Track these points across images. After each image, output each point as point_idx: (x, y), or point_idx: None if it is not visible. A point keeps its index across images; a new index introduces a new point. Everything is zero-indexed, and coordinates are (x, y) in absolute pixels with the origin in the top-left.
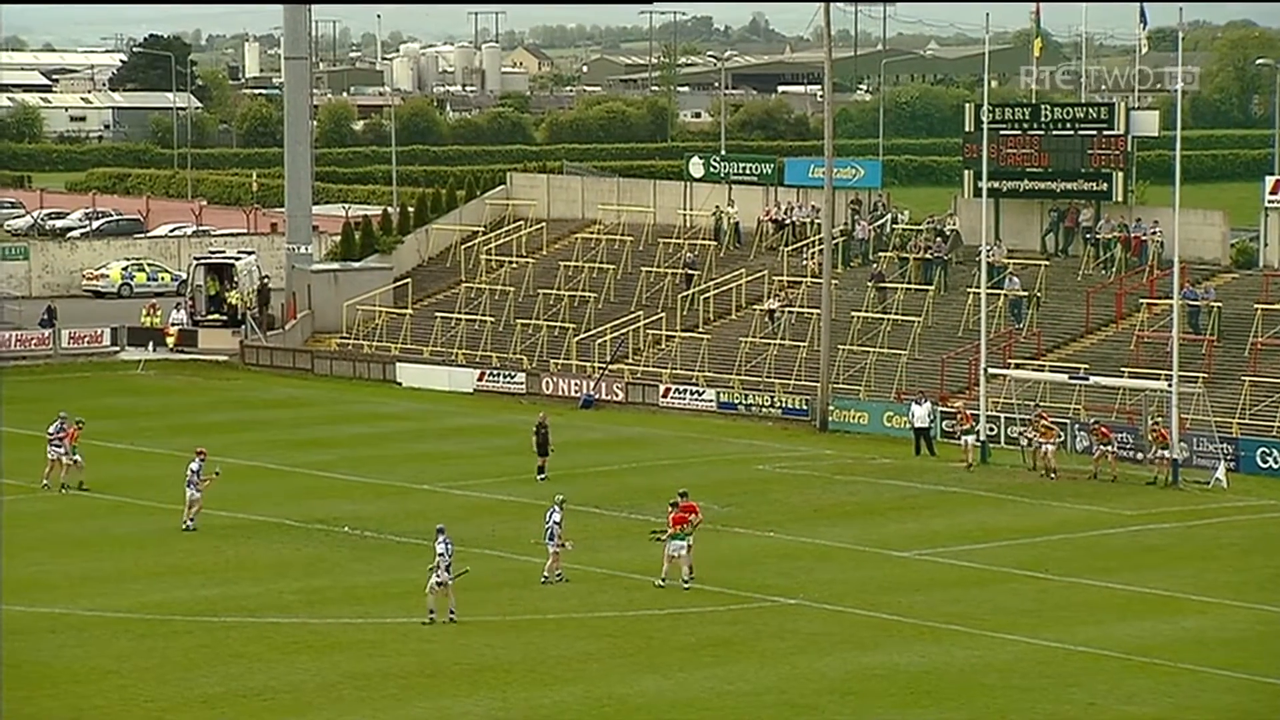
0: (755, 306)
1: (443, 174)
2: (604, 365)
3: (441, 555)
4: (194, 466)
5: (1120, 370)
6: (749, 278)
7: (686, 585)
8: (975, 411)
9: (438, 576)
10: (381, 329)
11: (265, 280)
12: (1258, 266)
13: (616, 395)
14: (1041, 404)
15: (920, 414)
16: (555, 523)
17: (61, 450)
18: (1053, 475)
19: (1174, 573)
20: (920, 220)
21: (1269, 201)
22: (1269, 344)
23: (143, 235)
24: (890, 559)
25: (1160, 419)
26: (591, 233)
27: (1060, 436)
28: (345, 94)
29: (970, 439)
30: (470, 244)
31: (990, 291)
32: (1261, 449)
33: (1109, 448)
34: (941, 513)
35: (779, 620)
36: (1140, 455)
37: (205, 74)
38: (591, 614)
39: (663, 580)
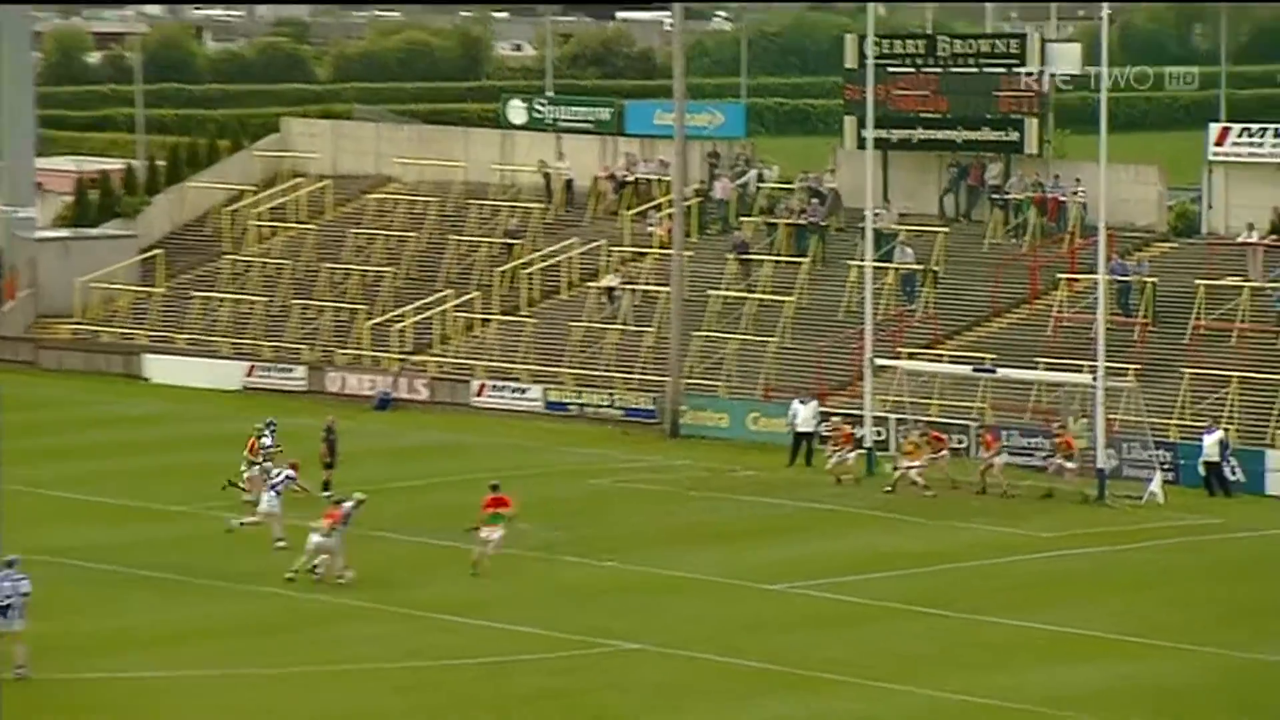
0: (590, 284)
1: (201, 119)
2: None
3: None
4: None
5: (1035, 361)
6: (583, 248)
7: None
8: (855, 430)
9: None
10: (125, 312)
11: None
12: (1200, 234)
13: (419, 393)
14: (935, 402)
15: (804, 415)
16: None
17: None
18: (928, 491)
19: (1101, 607)
20: (792, 178)
21: (1214, 154)
22: (1214, 328)
23: None
24: (757, 593)
25: (1063, 426)
26: (387, 192)
27: (938, 450)
28: (77, 18)
29: (846, 459)
30: (236, 206)
31: (878, 265)
32: (1202, 455)
33: (998, 457)
34: (819, 536)
35: (619, 669)
36: (1060, 464)
37: None
38: (393, 664)
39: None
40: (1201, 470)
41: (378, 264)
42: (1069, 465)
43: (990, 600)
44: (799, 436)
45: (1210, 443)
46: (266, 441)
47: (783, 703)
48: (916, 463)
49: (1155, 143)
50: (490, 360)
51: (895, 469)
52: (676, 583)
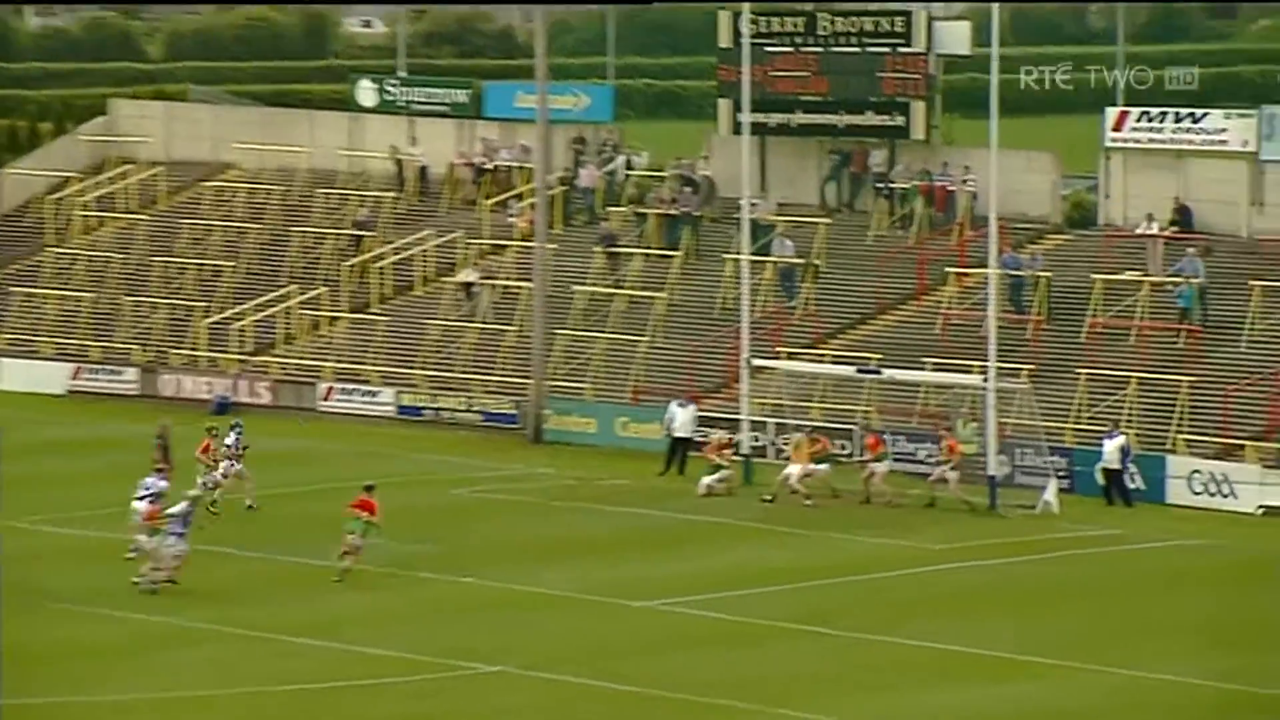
0: (447, 279)
1: (21, 100)
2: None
3: None
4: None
5: (922, 361)
6: (438, 241)
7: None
8: (733, 438)
9: None
10: None
11: None
12: (1096, 225)
13: (261, 397)
14: (817, 405)
15: (682, 419)
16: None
17: None
18: (807, 501)
19: (993, 624)
20: (663, 165)
21: (1111, 140)
22: (1112, 325)
23: None
24: (626, 611)
25: (949, 429)
26: (226, 180)
27: (825, 452)
28: None
29: (715, 476)
30: (60, 195)
31: (755, 259)
32: (1101, 462)
33: (879, 463)
34: (694, 550)
35: (478, 694)
36: (942, 474)
37: None
38: (229, 690)
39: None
40: (1100, 478)
41: (215, 257)
42: (950, 473)
43: (876, 617)
44: (676, 442)
45: (1111, 448)
46: (230, 440)
47: None
48: (800, 467)
49: (1050, 129)
50: (338, 361)
51: (784, 476)
52: (541, 600)
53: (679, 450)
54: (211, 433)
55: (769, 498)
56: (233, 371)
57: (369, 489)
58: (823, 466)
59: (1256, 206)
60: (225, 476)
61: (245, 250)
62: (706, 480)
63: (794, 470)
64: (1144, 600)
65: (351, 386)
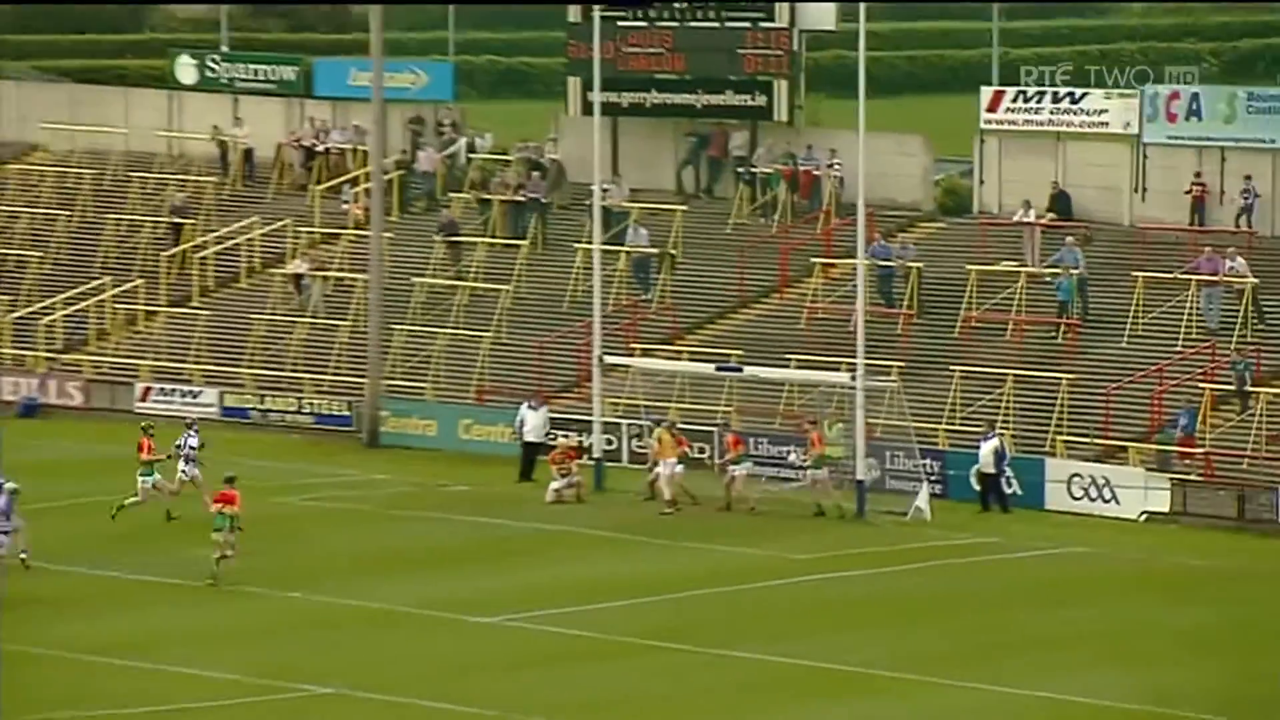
0: (275, 270)
1: None
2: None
3: None
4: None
5: (786, 358)
6: (265, 229)
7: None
8: (579, 444)
9: None
10: None
11: None
12: (971, 212)
13: (72, 398)
14: (674, 405)
15: (534, 423)
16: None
17: None
18: (670, 508)
19: (861, 638)
20: (508, 148)
21: (986, 121)
22: (987, 319)
23: None
24: (469, 627)
25: (812, 422)
26: (33, 163)
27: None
28: None
29: (564, 482)
30: None
31: (607, 248)
32: (976, 465)
33: (738, 466)
34: (543, 561)
35: (312, 717)
36: (813, 479)
37: None
38: (34, 716)
39: None
40: (975, 482)
41: (21, 247)
42: (818, 474)
43: (737, 632)
44: (529, 448)
45: (986, 451)
46: (194, 442)
47: None
48: (671, 464)
49: (923, 109)
50: (157, 359)
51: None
52: (377, 616)
53: (532, 456)
54: (148, 431)
55: (668, 510)
56: (41, 371)
57: (229, 480)
58: (679, 468)
59: (1139, 192)
60: (187, 481)
61: (54, 239)
62: (555, 486)
63: (664, 470)
64: (1019, 612)
65: (171, 387)
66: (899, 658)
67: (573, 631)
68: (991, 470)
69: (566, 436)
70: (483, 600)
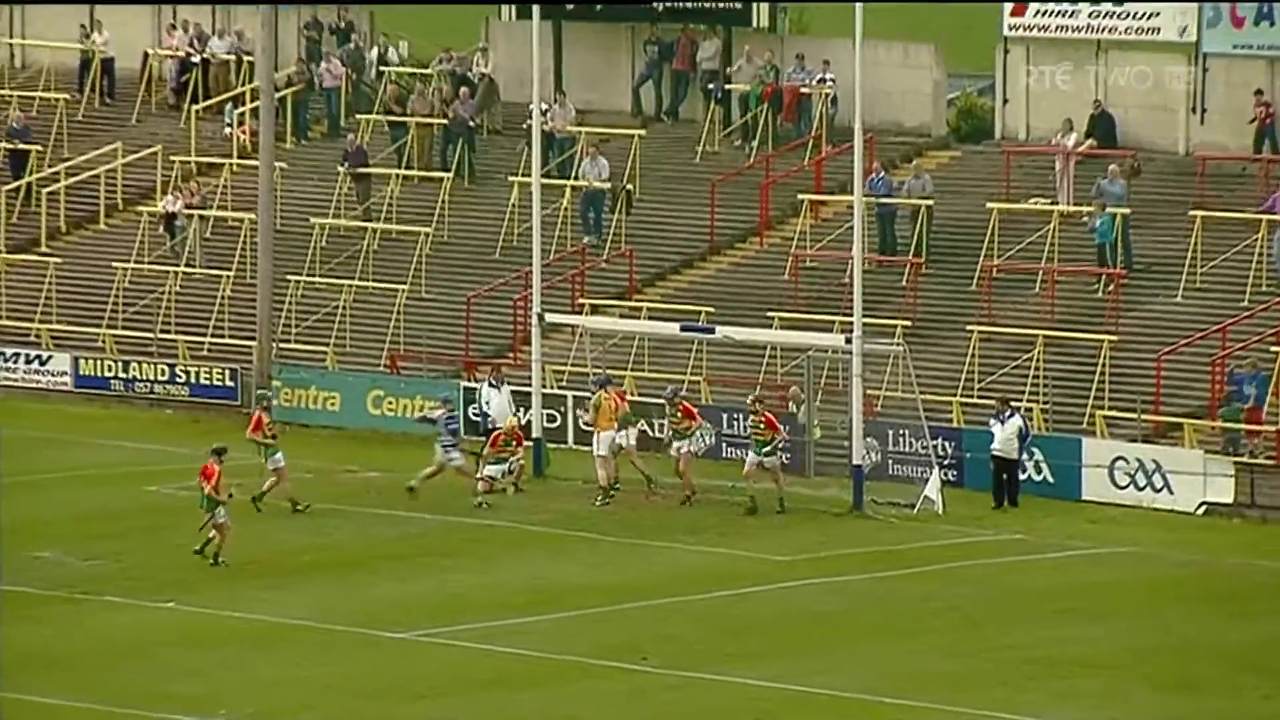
0: (143, 208)
1: None
2: None
3: None
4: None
5: (768, 316)
6: (129, 158)
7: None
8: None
9: None
10: None
11: None
12: (993, 138)
13: None
14: (630, 373)
15: (499, 404)
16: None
17: None
18: (612, 497)
19: (854, 657)
20: (428, 60)
21: (1011, 28)
22: (1012, 270)
23: None
24: (380, 643)
25: (759, 400)
26: None
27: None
28: None
29: (498, 467)
30: None
31: (549, 183)
32: (993, 450)
33: (685, 441)
34: (469, 564)
35: None
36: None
37: None
38: None
39: None
40: (993, 467)
41: None
42: (765, 462)
43: (706, 650)
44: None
45: (1008, 433)
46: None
47: None
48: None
49: (934, 13)
50: None
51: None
52: (267, 631)
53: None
54: (263, 404)
55: (605, 500)
56: None
57: (216, 453)
58: (630, 440)
59: (1197, 114)
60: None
61: None
62: (489, 472)
63: (599, 449)
64: (1046, 627)
65: (13, 351)
66: (899, 680)
67: (504, 649)
68: (1012, 455)
69: (515, 414)
70: (395, 612)
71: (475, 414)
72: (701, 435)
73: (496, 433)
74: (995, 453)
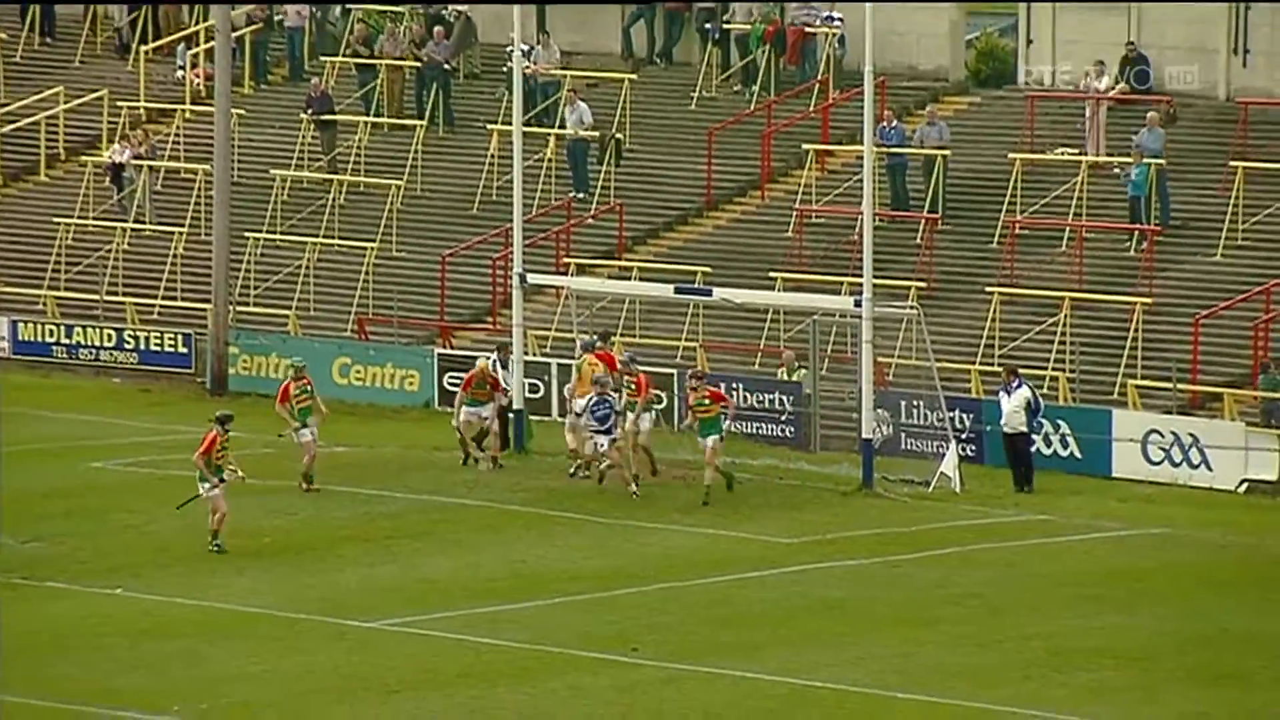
0: (88, 158)
1: None
2: None
3: None
4: None
5: (770, 276)
6: (72, 103)
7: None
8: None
9: None
10: None
11: None
12: (1015, 83)
13: None
14: (619, 338)
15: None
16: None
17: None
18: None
19: (866, 648)
20: None
21: None
22: (1036, 226)
23: None
24: (350, 633)
25: (701, 376)
26: None
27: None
28: None
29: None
30: None
31: (531, 131)
32: (1001, 426)
33: (644, 415)
34: (443, 546)
35: None
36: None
37: None
38: None
39: None
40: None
41: None
42: (706, 442)
43: (699, 642)
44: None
45: (1016, 404)
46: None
47: None
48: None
49: None
50: None
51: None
52: (226, 619)
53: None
54: (297, 374)
55: (582, 473)
56: None
57: (220, 421)
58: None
59: (1239, 56)
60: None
61: None
62: (475, 412)
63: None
64: (1073, 615)
65: None
66: (913, 673)
67: (482, 640)
68: (1022, 429)
69: (488, 356)
70: (363, 599)
71: (375, 378)
72: (653, 409)
73: (472, 372)
74: (1006, 426)
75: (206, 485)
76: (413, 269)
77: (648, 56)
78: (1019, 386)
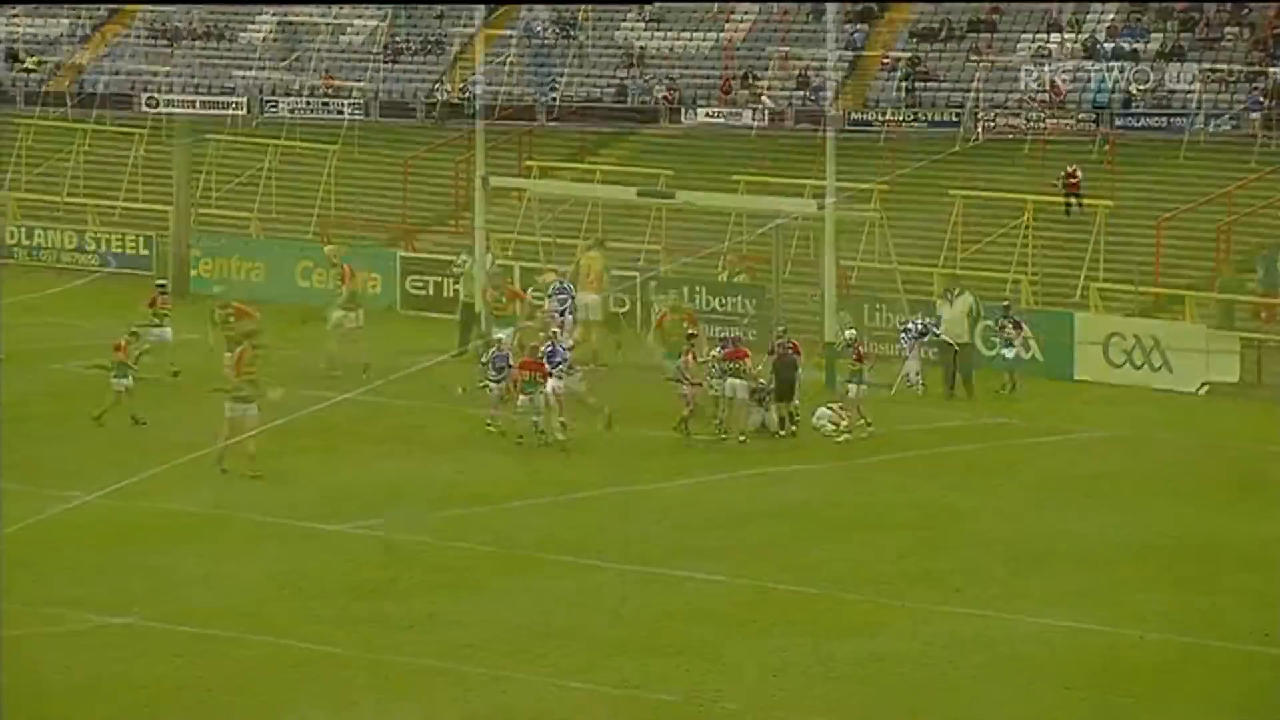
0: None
1: None
2: None
3: None
4: None
5: (733, 179)
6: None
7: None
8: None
9: None
10: None
11: None
12: None
13: None
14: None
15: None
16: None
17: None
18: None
19: (830, 552)
20: None
21: None
22: (1000, 128)
23: None
24: (312, 536)
25: (693, 336)
26: None
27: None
28: None
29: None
30: None
31: (493, 32)
32: (939, 335)
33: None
34: (410, 450)
35: (73, 656)
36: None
37: None
38: None
39: None
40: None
41: None
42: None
43: (673, 546)
44: (467, 310)
45: (957, 313)
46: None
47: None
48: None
49: None
50: None
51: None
52: (186, 522)
53: (469, 320)
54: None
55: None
56: None
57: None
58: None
59: None
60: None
61: None
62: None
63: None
64: (1039, 519)
65: None
66: (871, 578)
67: (448, 543)
68: (964, 340)
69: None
70: (330, 501)
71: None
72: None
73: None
74: (947, 337)
75: (244, 405)
76: (372, 171)
77: None
78: (961, 294)
